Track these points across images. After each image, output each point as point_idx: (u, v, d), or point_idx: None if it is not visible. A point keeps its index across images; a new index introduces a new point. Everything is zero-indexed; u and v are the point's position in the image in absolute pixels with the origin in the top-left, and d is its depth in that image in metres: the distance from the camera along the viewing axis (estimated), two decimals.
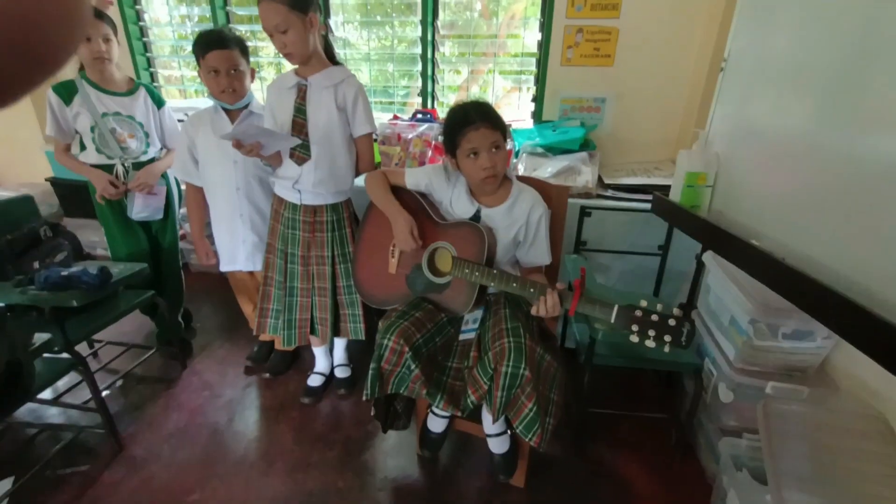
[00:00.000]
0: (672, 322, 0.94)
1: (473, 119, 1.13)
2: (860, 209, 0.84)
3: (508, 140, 1.96)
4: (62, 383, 1.65)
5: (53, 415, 1.60)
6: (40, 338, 1.10)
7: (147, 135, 1.64)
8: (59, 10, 0.25)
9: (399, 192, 1.30)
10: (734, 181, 1.23)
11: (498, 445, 1.29)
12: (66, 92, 1.52)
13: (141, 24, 2.50)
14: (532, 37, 2.10)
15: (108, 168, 1.60)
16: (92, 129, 1.55)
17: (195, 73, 2.62)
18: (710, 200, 1.30)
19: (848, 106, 0.87)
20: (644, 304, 0.98)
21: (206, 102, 2.47)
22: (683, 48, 1.88)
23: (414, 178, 1.31)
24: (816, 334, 1.21)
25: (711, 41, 1.78)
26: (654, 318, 0.96)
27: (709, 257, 1.46)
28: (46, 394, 1.62)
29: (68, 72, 1.57)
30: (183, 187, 2.26)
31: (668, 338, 0.94)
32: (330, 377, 1.76)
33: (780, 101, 1.08)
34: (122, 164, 1.60)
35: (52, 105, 1.52)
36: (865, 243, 0.82)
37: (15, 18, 0.23)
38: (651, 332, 0.95)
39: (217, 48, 1.38)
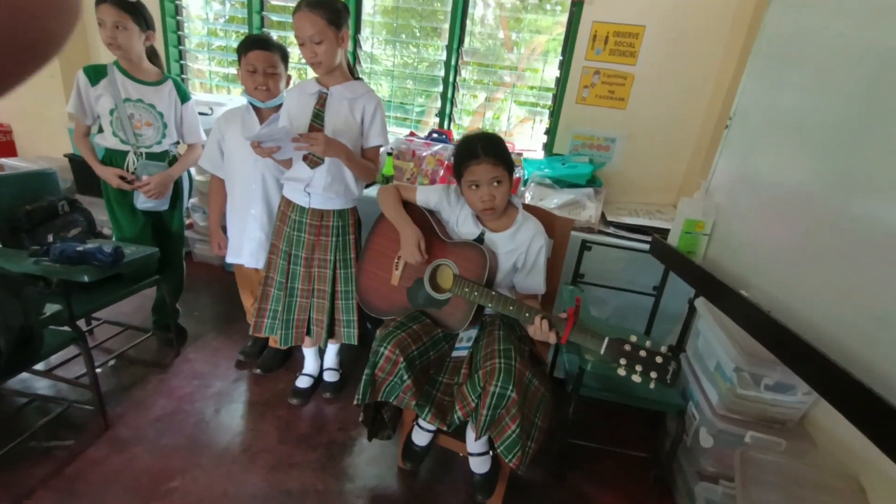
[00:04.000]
0: (659, 359, 0.98)
1: (478, 153, 1.18)
2: (849, 269, 0.87)
3: (518, 169, 2.02)
4: (56, 357, 1.66)
5: (43, 387, 1.61)
6: (50, 308, 1.13)
7: (165, 126, 1.68)
8: (51, 1, 0.25)
9: (409, 208, 1.35)
10: (731, 231, 1.29)
11: (479, 465, 1.30)
12: (95, 74, 1.57)
13: (179, 17, 2.60)
14: (551, 72, 2.19)
15: (122, 154, 1.63)
16: (111, 113, 1.58)
17: (220, 69, 2.72)
18: (706, 248, 1.35)
19: (847, 168, 0.92)
20: (634, 339, 1.02)
21: (228, 98, 2.55)
22: (694, 100, 1.97)
23: (424, 196, 1.36)
24: (798, 389, 1.24)
25: (721, 95, 1.87)
26: (643, 353, 0.99)
27: (700, 303, 1.51)
28: (39, 365, 1.63)
29: (105, 58, 1.63)
30: (198, 178, 2.33)
31: (654, 374, 0.98)
32: (318, 379, 1.78)
33: (781, 158, 1.14)
34: (135, 153, 1.63)
35: (78, 84, 1.56)
36: (851, 304, 0.85)
37: (4, 7, 0.23)
38: (638, 367, 0.99)
39: (259, 48, 1.47)
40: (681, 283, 1.57)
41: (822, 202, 0.97)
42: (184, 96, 1.73)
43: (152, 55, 1.67)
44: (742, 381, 1.25)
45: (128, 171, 1.63)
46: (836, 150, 0.96)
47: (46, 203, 1.54)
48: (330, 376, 1.76)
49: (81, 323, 1.81)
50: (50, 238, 1.49)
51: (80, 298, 1.46)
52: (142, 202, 1.68)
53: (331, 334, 1.60)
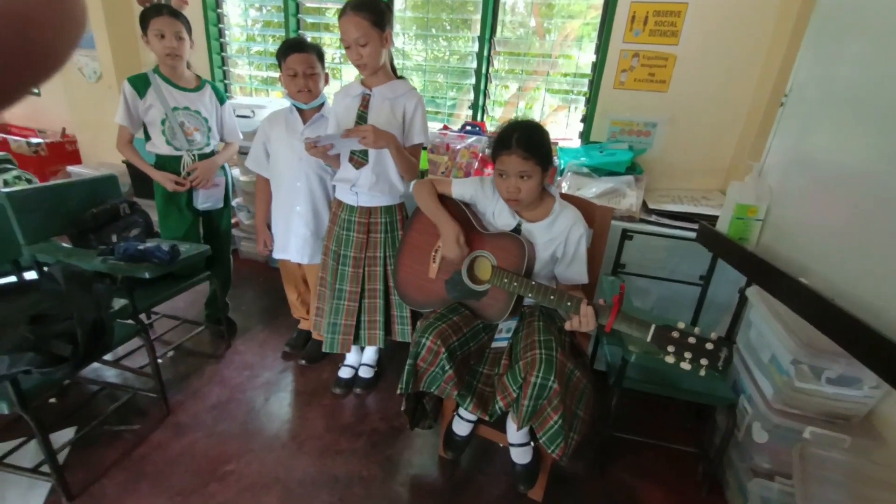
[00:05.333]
0: (709, 346, 0.94)
1: (511, 144, 1.17)
2: None
3: (555, 159, 1.98)
4: (122, 348, 1.80)
5: (111, 376, 1.75)
6: (118, 303, 1.23)
7: (210, 129, 1.78)
8: (58, 10, 0.25)
9: (444, 201, 1.36)
10: (786, 216, 1.21)
11: (520, 456, 1.31)
12: (141, 84, 1.64)
13: (220, 25, 2.71)
14: (585, 58, 2.13)
15: (176, 159, 1.71)
16: (162, 122, 1.66)
17: (259, 73, 2.82)
18: (760, 234, 1.28)
19: None
20: (682, 325, 0.98)
21: (267, 101, 2.65)
22: (742, 79, 1.86)
23: (460, 189, 1.36)
24: (864, 382, 1.16)
25: (773, 73, 1.75)
26: (692, 339, 0.96)
27: (753, 292, 1.44)
28: (107, 356, 1.77)
29: (143, 66, 1.72)
30: (242, 178, 2.43)
31: (704, 361, 0.94)
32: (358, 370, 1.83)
33: (841, 137, 1.07)
34: (189, 156, 1.73)
35: (125, 95, 1.63)
36: None
37: (12, 18, 0.23)
38: (687, 354, 0.96)
39: (296, 51, 1.51)
40: (728, 272, 1.49)
41: (884, 180, 0.90)
42: (221, 99, 1.82)
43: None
44: (800, 374, 1.18)
45: (182, 173, 1.72)
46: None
47: (110, 206, 1.66)
48: (365, 372, 1.79)
49: (143, 317, 1.94)
50: (114, 238, 1.61)
51: (141, 294, 1.58)
52: (201, 202, 1.78)
53: (388, 331, 1.62)
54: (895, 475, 1.05)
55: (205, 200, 1.79)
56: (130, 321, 1.46)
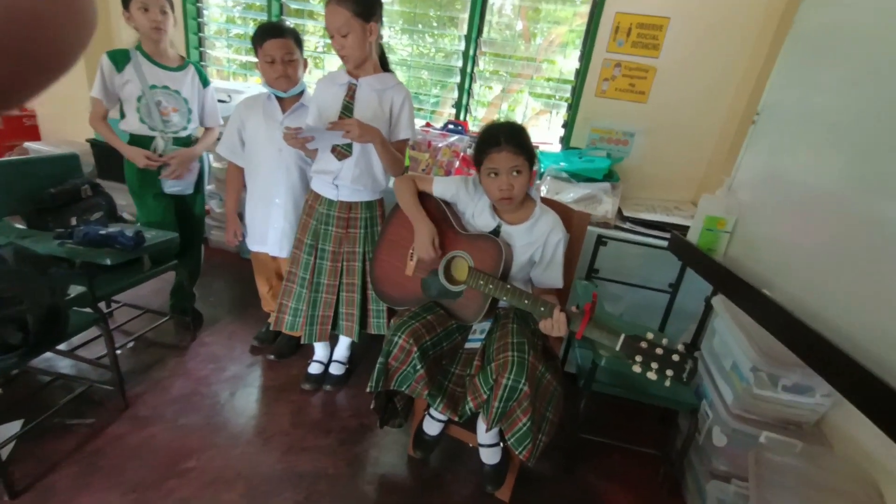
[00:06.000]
0: (676, 357, 0.97)
1: (500, 141, 1.17)
2: (877, 274, 0.85)
3: (536, 164, 2.01)
4: (77, 337, 1.71)
5: (65, 366, 1.66)
6: (75, 289, 1.16)
7: (190, 111, 1.71)
8: (68, 12, 0.25)
9: (425, 199, 1.35)
10: (754, 230, 1.26)
11: (489, 456, 1.31)
12: (121, 58, 1.57)
13: (199, 4, 2.61)
14: (569, 64, 2.15)
15: (149, 140, 1.64)
16: (138, 99, 1.59)
17: (237, 56, 2.73)
18: (728, 246, 1.33)
19: (879, 170, 0.89)
20: (650, 336, 1.01)
21: (245, 86, 2.56)
22: (718, 95, 1.92)
23: (441, 187, 1.36)
24: (816, 390, 1.22)
25: (747, 91, 1.82)
26: (659, 350, 0.99)
27: (718, 301, 1.49)
28: (62, 345, 1.68)
29: (125, 42, 1.64)
30: (216, 164, 2.35)
31: (670, 372, 0.97)
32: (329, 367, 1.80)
33: (810, 158, 1.11)
34: (163, 138, 1.65)
35: (102, 68, 1.56)
36: (878, 308, 0.83)
37: (22, 20, 0.23)
38: (654, 365, 0.98)
39: (274, 37, 1.46)
40: (696, 281, 1.54)
41: (851, 204, 0.94)
42: (204, 81, 1.75)
43: None
44: (759, 382, 1.23)
45: (155, 153, 1.65)
46: (867, 151, 0.93)
47: (70, 186, 1.57)
48: (335, 369, 1.76)
49: (102, 305, 1.85)
50: (73, 221, 1.52)
51: (102, 281, 1.50)
52: (169, 186, 1.71)
53: (364, 325, 1.60)
54: (841, 481, 1.10)
55: (173, 185, 1.72)
56: (88, 309, 1.38)
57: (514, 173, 1.19)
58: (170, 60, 1.66)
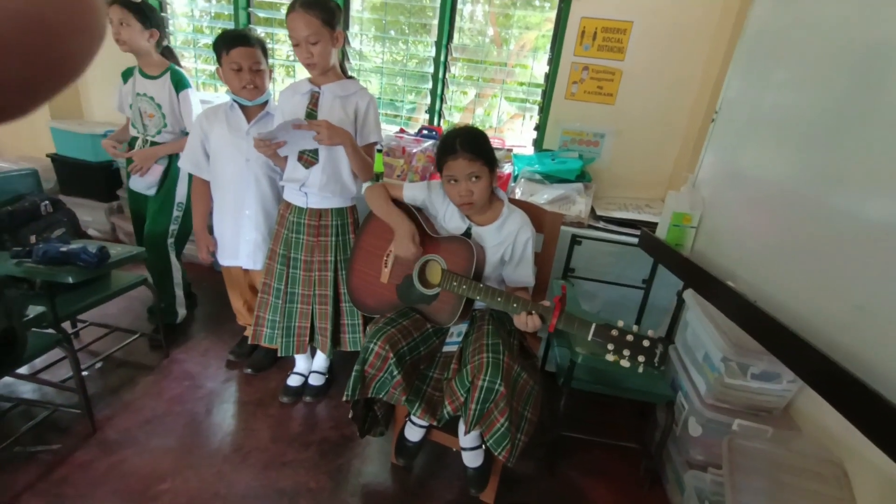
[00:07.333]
0: (646, 343, 0.99)
1: (455, 148, 1.18)
2: (829, 261, 0.89)
3: (506, 165, 2.03)
4: (40, 360, 1.64)
5: (27, 391, 1.58)
6: (34, 310, 1.11)
7: (164, 116, 1.76)
8: (78, 19, 0.26)
9: (396, 205, 1.35)
10: (717, 224, 1.30)
11: (472, 459, 1.31)
12: (127, 74, 1.79)
13: (163, 14, 2.55)
14: (540, 68, 2.20)
15: (134, 141, 1.81)
16: (130, 107, 1.77)
17: (206, 67, 2.68)
18: (694, 240, 1.37)
19: (826, 163, 0.94)
20: (621, 324, 1.03)
21: (215, 96, 2.52)
22: (681, 95, 1.99)
23: (411, 193, 1.36)
24: (783, 377, 1.27)
25: (708, 91, 1.89)
26: (629, 337, 1.00)
27: (689, 295, 1.53)
28: (23, 369, 1.60)
29: (132, 59, 1.75)
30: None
31: (641, 358, 0.99)
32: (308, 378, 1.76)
33: (765, 153, 1.16)
34: (143, 140, 1.78)
35: (120, 86, 1.81)
36: (831, 293, 0.87)
37: (35, 27, 0.24)
38: (626, 352, 1.00)
39: (241, 45, 1.44)
40: (669, 277, 1.58)
41: (802, 196, 0.99)
42: (177, 84, 1.74)
43: (168, 54, 1.81)
44: (729, 371, 1.27)
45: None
46: (815, 146, 0.98)
47: (29, 203, 1.51)
48: (315, 380, 1.73)
49: (67, 325, 1.78)
50: (33, 239, 1.46)
51: (65, 300, 1.43)
52: (133, 182, 1.81)
53: (336, 342, 1.58)
54: (809, 463, 1.15)
55: (136, 183, 1.80)
56: (51, 330, 1.33)
57: (473, 179, 1.20)
58: (153, 70, 1.75)
